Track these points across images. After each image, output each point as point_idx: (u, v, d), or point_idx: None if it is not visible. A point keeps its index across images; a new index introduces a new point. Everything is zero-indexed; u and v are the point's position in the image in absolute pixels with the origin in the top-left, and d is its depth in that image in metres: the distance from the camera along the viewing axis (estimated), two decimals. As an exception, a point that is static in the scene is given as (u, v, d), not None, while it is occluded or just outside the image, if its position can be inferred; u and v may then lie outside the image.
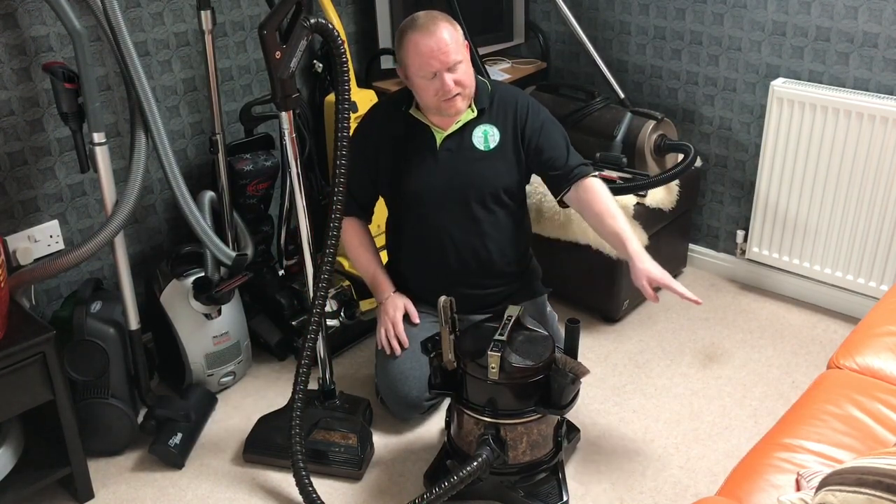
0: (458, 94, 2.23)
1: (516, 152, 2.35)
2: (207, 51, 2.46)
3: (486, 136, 2.34)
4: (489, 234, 2.38)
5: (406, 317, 2.43)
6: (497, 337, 2.05)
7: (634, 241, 2.25)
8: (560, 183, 2.36)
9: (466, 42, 2.30)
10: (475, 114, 2.33)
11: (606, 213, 2.28)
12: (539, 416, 2.09)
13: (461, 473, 2.00)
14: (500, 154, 2.34)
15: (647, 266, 2.20)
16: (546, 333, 2.15)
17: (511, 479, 2.16)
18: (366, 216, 2.52)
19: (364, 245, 2.49)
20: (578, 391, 2.11)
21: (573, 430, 2.41)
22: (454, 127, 2.33)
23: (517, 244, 2.46)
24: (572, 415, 2.49)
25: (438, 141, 2.34)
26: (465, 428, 2.15)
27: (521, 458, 2.13)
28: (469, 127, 2.34)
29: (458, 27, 2.27)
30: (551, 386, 2.06)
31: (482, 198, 2.35)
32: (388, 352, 2.41)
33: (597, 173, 2.31)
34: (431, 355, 2.15)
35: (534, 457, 2.15)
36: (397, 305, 2.44)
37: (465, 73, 2.23)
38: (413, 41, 2.21)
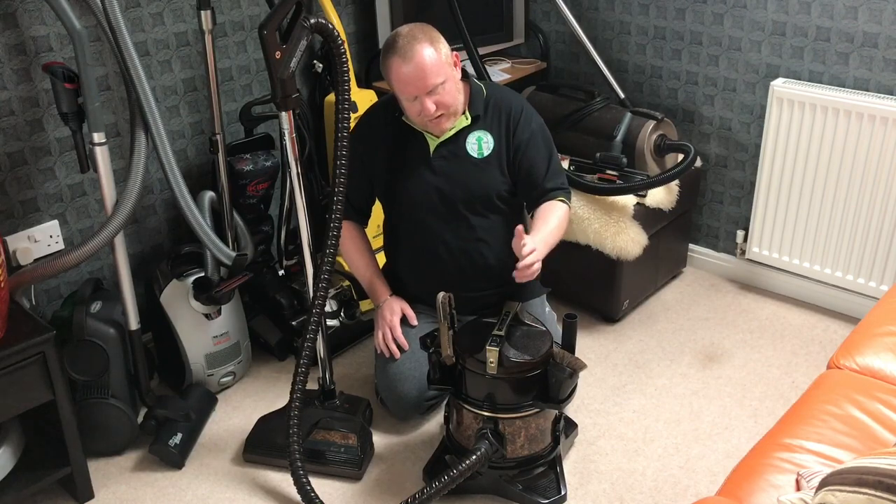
0: (441, 115, 2.22)
1: (507, 159, 2.34)
2: (207, 51, 2.46)
3: (480, 143, 2.33)
4: (484, 239, 2.37)
5: (404, 319, 2.43)
6: (495, 332, 2.05)
7: (539, 233, 2.18)
8: (530, 202, 2.37)
9: (454, 54, 2.25)
10: (469, 121, 2.32)
11: (539, 217, 2.25)
12: (537, 410, 2.10)
13: (460, 467, 2.01)
14: (493, 161, 2.33)
15: (527, 238, 2.11)
16: (544, 329, 2.16)
17: (509, 473, 2.17)
18: (362, 220, 2.52)
19: (360, 249, 2.49)
20: (576, 385, 2.12)
21: (571, 425, 2.42)
22: (448, 134, 2.32)
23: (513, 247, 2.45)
24: (571, 411, 2.50)
25: (432, 148, 2.33)
26: (464, 422, 2.16)
27: (519, 452, 2.14)
28: (463, 134, 2.33)
29: (441, 43, 2.20)
30: (549, 380, 2.07)
31: (476, 204, 2.34)
32: (386, 355, 2.41)
33: (564, 199, 2.31)
34: (430, 351, 2.16)
35: (532, 451, 2.16)
36: (394, 309, 2.43)
37: (449, 92, 2.20)
38: (393, 65, 2.18)
